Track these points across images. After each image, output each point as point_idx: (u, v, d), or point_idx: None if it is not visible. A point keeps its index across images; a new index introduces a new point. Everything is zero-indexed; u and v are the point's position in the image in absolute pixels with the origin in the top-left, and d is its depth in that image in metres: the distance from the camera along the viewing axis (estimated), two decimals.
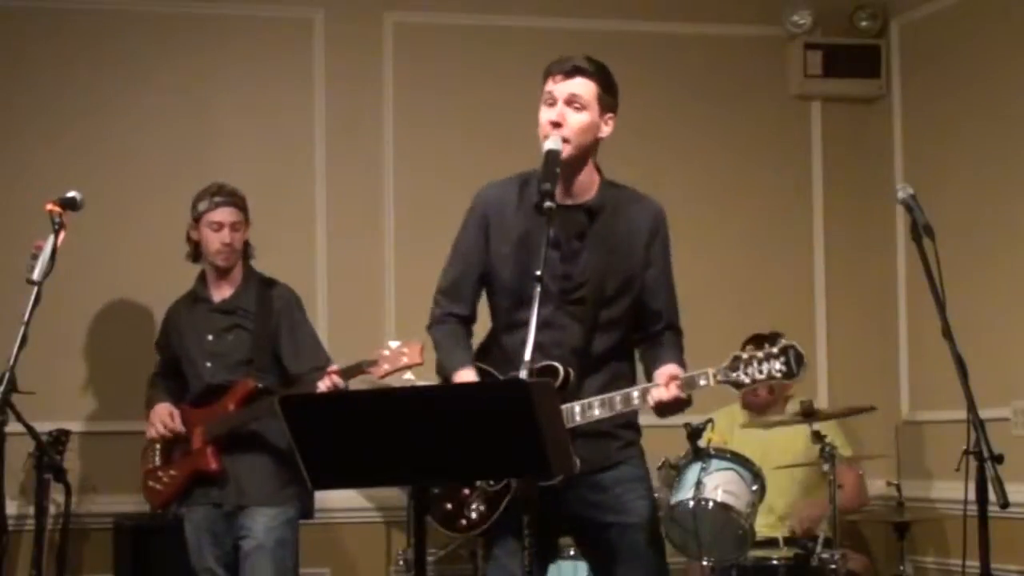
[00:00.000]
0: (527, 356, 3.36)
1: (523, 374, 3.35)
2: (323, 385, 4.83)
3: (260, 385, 4.97)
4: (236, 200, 5.11)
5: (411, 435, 3.02)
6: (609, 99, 3.70)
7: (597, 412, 3.62)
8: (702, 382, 3.55)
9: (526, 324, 3.59)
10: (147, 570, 5.65)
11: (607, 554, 3.74)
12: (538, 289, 3.41)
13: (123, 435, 5.85)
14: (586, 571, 5.11)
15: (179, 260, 5.71)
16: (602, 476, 3.72)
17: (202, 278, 5.19)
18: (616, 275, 3.71)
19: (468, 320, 3.89)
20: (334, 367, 4.91)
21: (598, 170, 3.78)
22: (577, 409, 3.63)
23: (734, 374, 3.52)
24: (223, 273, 5.13)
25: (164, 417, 5.10)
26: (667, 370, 3.61)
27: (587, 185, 3.74)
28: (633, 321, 3.78)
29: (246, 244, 5.16)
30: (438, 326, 3.89)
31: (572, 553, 5.22)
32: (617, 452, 3.75)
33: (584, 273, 3.70)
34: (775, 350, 3.50)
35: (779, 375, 3.48)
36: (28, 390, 4.42)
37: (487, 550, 3.81)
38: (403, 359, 4.77)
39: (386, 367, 4.81)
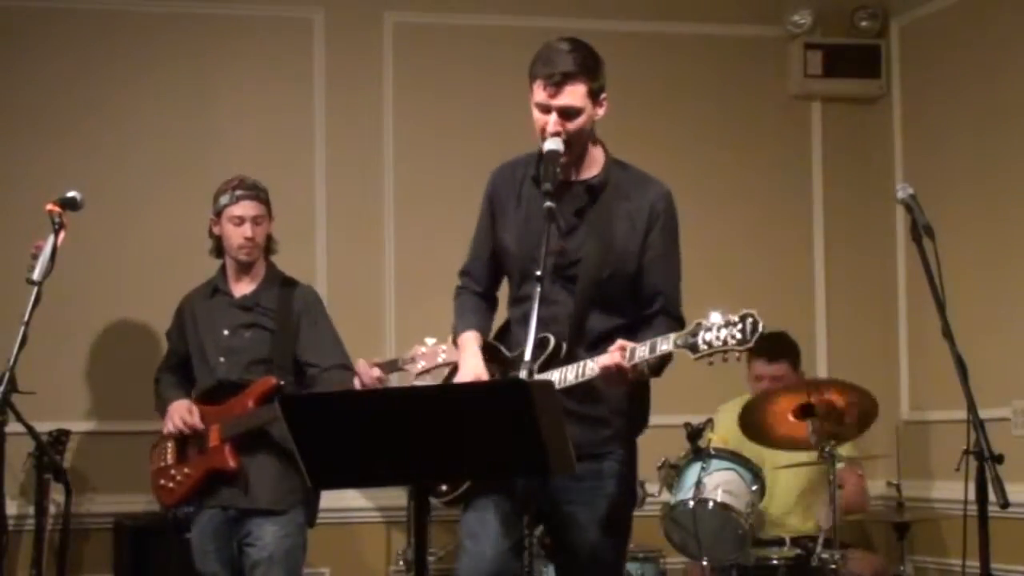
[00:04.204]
0: (527, 356, 3.36)
1: (523, 374, 3.35)
2: (366, 379, 4.77)
3: (282, 383, 4.86)
4: (258, 193, 5.02)
5: (411, 435, 3.02)
6: (598, 86, 3.69)
7: (571, 378, 3.60)
8: (663, 346, 3.50)
9: (526, 299, 3.66)
10: (147, 570, 5.65)
11: (568, 545, 3.73)
12: (538, 289, 3.43)
13: (123, 435, 5.86)
14: None
15: (180, 259, 5.72)
16: (582, 465, 3.64)
17: (222, 271, 5.08)
18: (613, 255, 3.70)
19: (484, 296, 3.94)
20: (375, 359, 4.84)
21: (603, 147, 3.79)
22: (556, 376, 3.60)
23: (692, 339, 3.47)
24: (245, 268, 5.03)
25: (183, 413, 4.97)
26: (621, 341, 3.57)
27: (590, 161, 3.76)
28: (637, 303, 3.75)
29: (268, 239, 5.06)
30: (456, 297, 3.97)
31: None
32: (604, 443, 3.72)
33: (579, 251, 3.70)
34: (735, 318, 3.46)
35: (733, 341, 3.42)
36: (28, 390, 4.42)
37: (465, 503, 3.77)
38: (440, 356, 4.66)
39: (423, 364, 4.70)
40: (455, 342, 3.88)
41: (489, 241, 3.89)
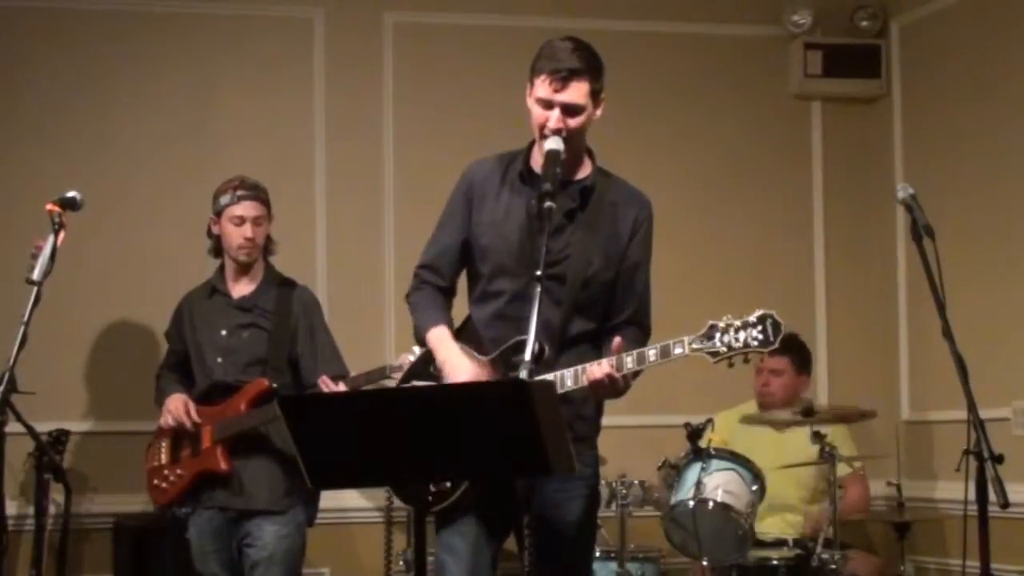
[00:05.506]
0: (527, 356, 3.34)
1: (523, 374, 3.34)
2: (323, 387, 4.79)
3: (275, 385, 4.86)
4: (259, 194, 5.01)
5: (411, 435, 3.02)
6: (599, 86, 3.69)
7: (570, 383, 3.56)
8: (677, 350, 3.46)
9: (497, 297, 3.68)
10: (147, 570, 5.65)
11: (543, 548, 3.69)
12: (538, 289, 3.40)
13: (123, 435, 5.85)
14: None
15: (179, 260, 5.73)
16: None
17: (220, 271, 5.08)
18: (597, 259, 3.69)
19: (446, 291, 3.88)
20: (326, 378, 4.85)
21: (589, 152, 3.79)
22: (551, 377, 3.56)
23: (709, 343, 3.43)
24: (244, 269, 5.02)
25: (179, 407, 4.96)
26: (616, 345, 3.54)
27: (580, 163, 3.76)
28: (608, 310, 3.74)
29: (268, 240, 5.05)
30: (415, 292, 3.88)
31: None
32: (574, 444, 3.62)
33: (565, 251, 3.68)
34: (752, 319, 3.41)
35: (755, 343, 3.38)
36: (28, 390, 4.42)
37: (443, 520, 3.74)
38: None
39: None
40: (420, 340, 3.80)
41: (462, 233, 3.82)
